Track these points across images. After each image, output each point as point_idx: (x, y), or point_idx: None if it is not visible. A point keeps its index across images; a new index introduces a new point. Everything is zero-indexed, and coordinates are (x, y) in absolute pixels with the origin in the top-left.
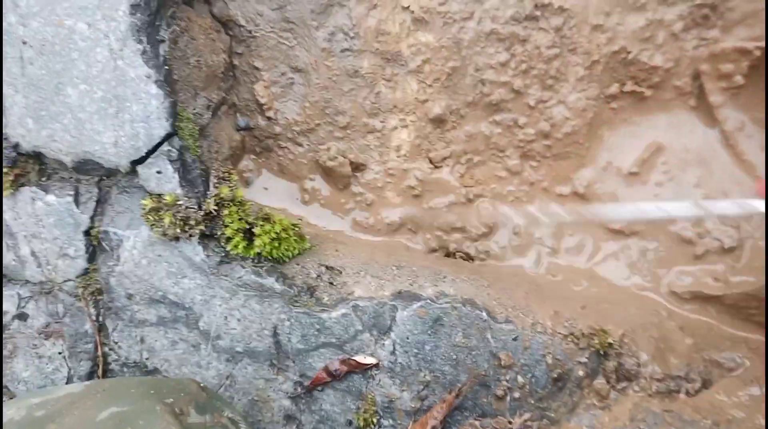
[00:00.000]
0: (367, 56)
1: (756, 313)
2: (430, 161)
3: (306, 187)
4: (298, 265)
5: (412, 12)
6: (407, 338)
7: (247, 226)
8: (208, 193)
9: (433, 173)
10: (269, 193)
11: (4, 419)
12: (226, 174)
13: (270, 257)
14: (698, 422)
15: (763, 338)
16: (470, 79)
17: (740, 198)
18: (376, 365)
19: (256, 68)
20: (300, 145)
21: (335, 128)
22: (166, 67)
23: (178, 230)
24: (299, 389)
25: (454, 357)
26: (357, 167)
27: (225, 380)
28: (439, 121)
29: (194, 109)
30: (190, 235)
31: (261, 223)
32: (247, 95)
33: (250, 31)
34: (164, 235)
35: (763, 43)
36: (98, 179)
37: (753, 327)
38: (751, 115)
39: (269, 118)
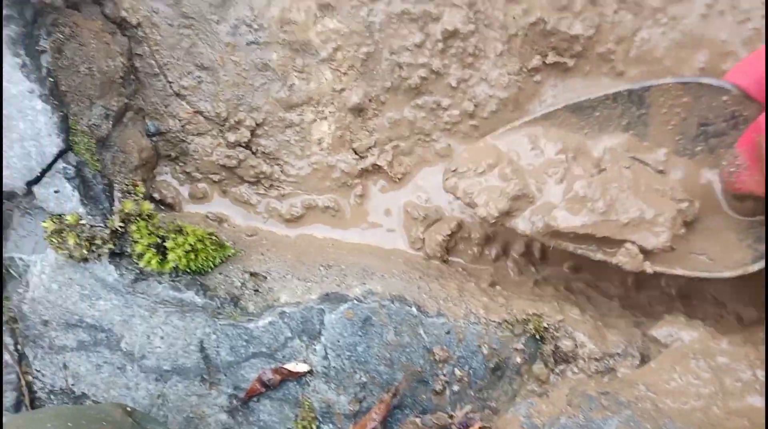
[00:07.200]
0: (275, 48)
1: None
2: (355, 152)
3: (228, 188)
4: (220, 274)
5: None
6: (338, 341)
7: (159, 241)
8: (106, 208)
9: (359, 163)
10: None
11: None
12: (131, 186)
13: (188, 270)
14: (635, 403)
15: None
16: (386, 64)
17: None
18: (310, 372)
19: (161, 69)
20: (218, 145)
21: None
22: (51, 79)
23: (85, 251)
24: (235, 402)
25: (388, 356)
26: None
27: (157, 400)
28: (358, 110)
29: (90, 121)
30: (99, 255)
31: (173, 235)
32: (154, 98)
33: (146, 31)
34: (71, 257)
35: None
36: None
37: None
38: None
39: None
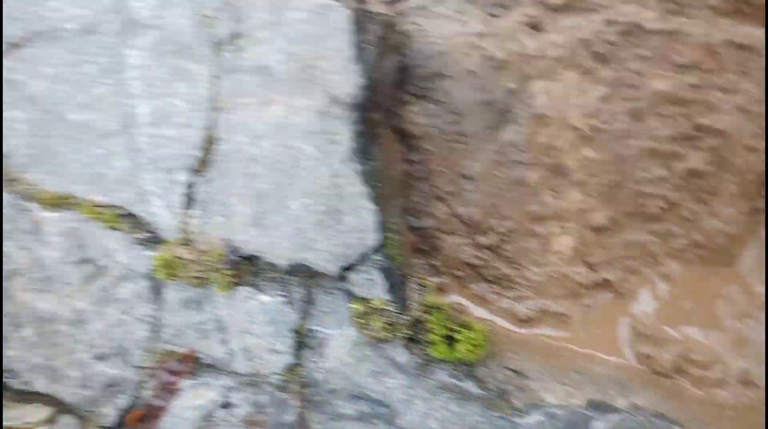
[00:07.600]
0: (535, 168)
1: None
2: (588, 265)
3: (468, 284)
4: (486, 368)
5: (580, 130)
6: None
7: (449, 332)
8: (405, 297)
9: (591, 276)
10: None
11: None
12: (422, 279)
13: (466, 361)
14: None
15: None
16: (629, 191)
17: None
18: None
19: (429, 175)
20: (466, 245)
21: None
22: (376, 184)
23: (386, 333)
24: None
25: None
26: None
27: None
28: (598, 229)
29: (392, 219)
30: (396, 338)
31: (462, 329)
32: (417, 198)
33: (424, 142)
34: (374, 337)
35: None
36: (304, 281)
37: None
38: None
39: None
